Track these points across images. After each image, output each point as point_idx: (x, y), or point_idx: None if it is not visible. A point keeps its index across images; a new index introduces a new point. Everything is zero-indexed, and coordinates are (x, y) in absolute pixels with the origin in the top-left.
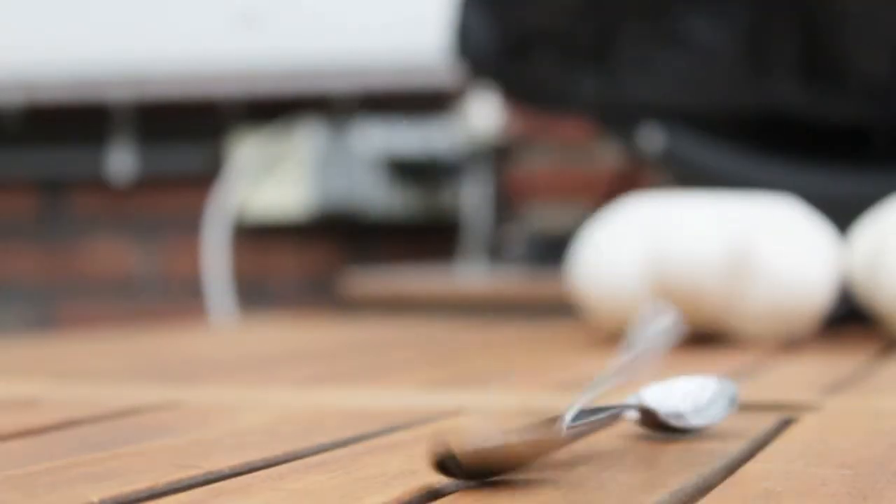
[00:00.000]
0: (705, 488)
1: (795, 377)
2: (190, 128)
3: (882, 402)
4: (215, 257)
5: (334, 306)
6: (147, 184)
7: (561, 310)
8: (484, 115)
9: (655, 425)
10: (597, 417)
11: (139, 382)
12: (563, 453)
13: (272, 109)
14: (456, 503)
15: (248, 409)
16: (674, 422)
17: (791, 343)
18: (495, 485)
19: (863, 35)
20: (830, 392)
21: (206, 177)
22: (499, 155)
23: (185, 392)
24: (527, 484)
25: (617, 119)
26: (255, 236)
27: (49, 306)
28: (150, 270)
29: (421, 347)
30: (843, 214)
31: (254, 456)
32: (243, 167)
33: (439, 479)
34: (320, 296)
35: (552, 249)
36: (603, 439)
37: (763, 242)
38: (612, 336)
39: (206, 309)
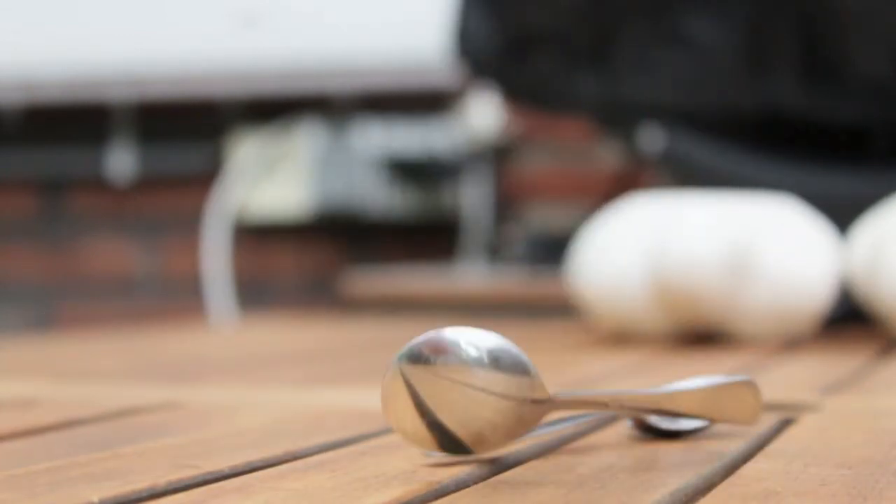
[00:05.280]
0: (705, 488)
1: (795, 377)
2: (190, 128)
3: (882, 402)
4: (215, 257)
5: (334, 306)
6: (147, 184)
7: (561, 310)
8: (484, 115)
9: (650, 430)
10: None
11: (139, 382)
12: (563, 453)
13: (272, 109)
14: (456, 503)
15: (248, 409)
16: (665, 425)
17: (791, 343)
18: (495, 484)
19: (863, 35)
20: (830, 392)
21: (206, 177)
22: (499, 155)
23: (185, 392)
24: (527, 484)
25: (617, 119)
26: (255, 236)
27: (49, 306)
28: (150, 270)
29: None
30: (843, 214)
31: (254, 456)
32: (243, 167)
33: (439, 479)
34: (320, 296)
35: (552, 249)
36: (603, 439)
37: (763, 242)
38: (612, 336)
39: (206, 309)
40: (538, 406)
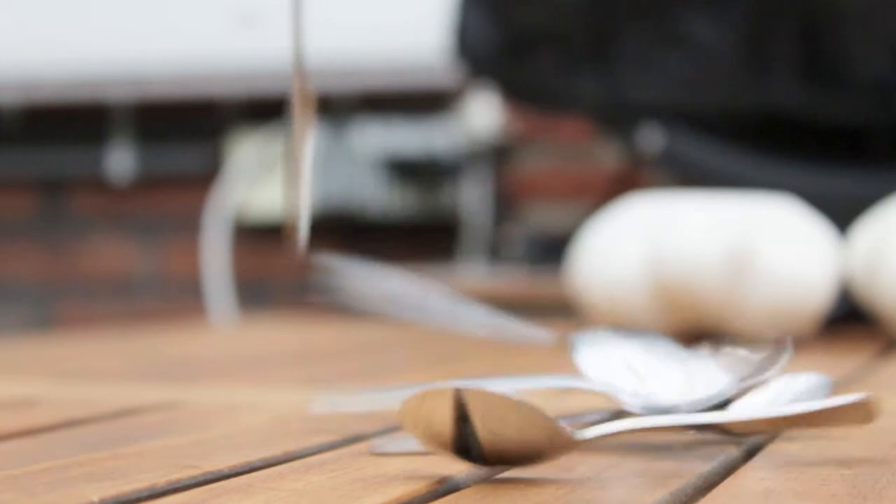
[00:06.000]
0: (705, 488)
1: None
2: (190, 128)
3: (882, 402)
4: (215, 257)
5: (334, 306)
6: (147, 184)
7: (561, 310)
8: (484, 115)
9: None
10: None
11: (139, 382)
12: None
13: (272, 109)
14: (456, 503)
15: (248, 409)
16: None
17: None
18: (495, 484)
19: (863, 35)
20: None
21: (206, 177)
22: (499, 155)
23: (185, 392)
24: (527, 483)
25: (617, 119)
26: (255, 236)
27: (49, 306)
28: (150, 270)
29: (421, 347)
30: (843, 214)
31: (254, 456)
32: (243, 167)
33: (439, 479)
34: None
35: (552, 249)
36: (603, 439)
37: (763, 242)
38: None
39: (206, 309)
40: (572, 439)
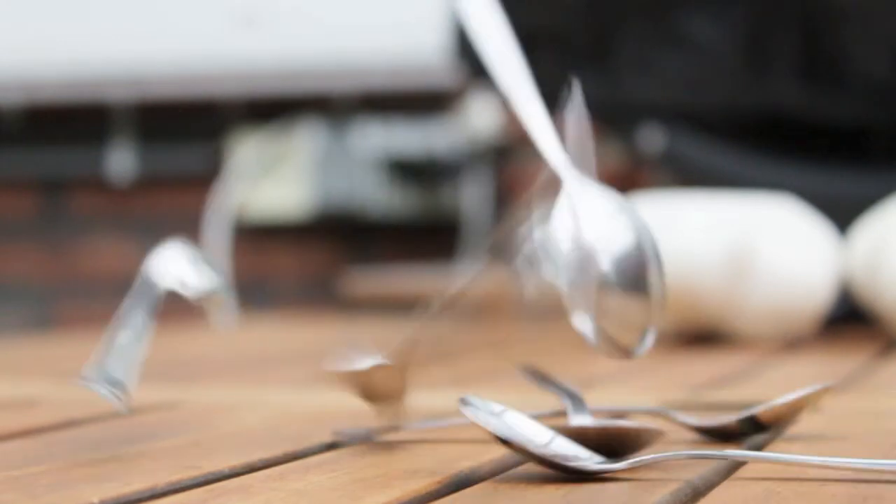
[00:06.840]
0: (705, 488)
1: (795, 377)
2: (190, 128)
3: (882, 402)
4: (215, 257)
5: (334, 306)
6: (147, 184)
7: (561, 310)
8: (484, 115)
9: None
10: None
11: (139, 382)
12: None
13: (272, 109)
14: (456, 503)
15: (248, 409)
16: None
17: (791, 343)
18: (495, 484)
19: (863, 35)
20: (830, 392)
21: (206, 177)
22: (499, 155)
23: (185, 392)
24: (527, 483)
25: (617, 119)
26: (255, 236)
27: (49, 306)
28: None
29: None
30: (843, 214)
31: (254, 456)
32: (243, 167)
33: (440, 479)
34: (320, 296)
35: None
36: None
37: (763, 242)
38: None
39: (206, 309)
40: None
